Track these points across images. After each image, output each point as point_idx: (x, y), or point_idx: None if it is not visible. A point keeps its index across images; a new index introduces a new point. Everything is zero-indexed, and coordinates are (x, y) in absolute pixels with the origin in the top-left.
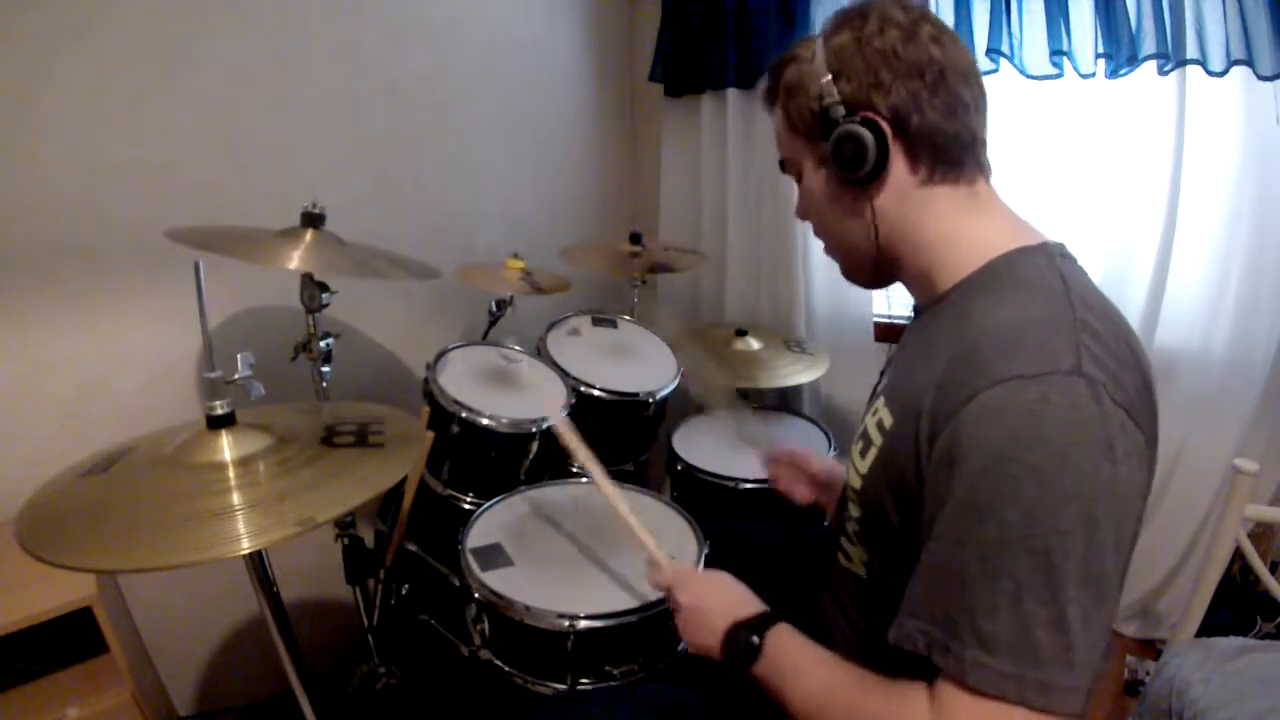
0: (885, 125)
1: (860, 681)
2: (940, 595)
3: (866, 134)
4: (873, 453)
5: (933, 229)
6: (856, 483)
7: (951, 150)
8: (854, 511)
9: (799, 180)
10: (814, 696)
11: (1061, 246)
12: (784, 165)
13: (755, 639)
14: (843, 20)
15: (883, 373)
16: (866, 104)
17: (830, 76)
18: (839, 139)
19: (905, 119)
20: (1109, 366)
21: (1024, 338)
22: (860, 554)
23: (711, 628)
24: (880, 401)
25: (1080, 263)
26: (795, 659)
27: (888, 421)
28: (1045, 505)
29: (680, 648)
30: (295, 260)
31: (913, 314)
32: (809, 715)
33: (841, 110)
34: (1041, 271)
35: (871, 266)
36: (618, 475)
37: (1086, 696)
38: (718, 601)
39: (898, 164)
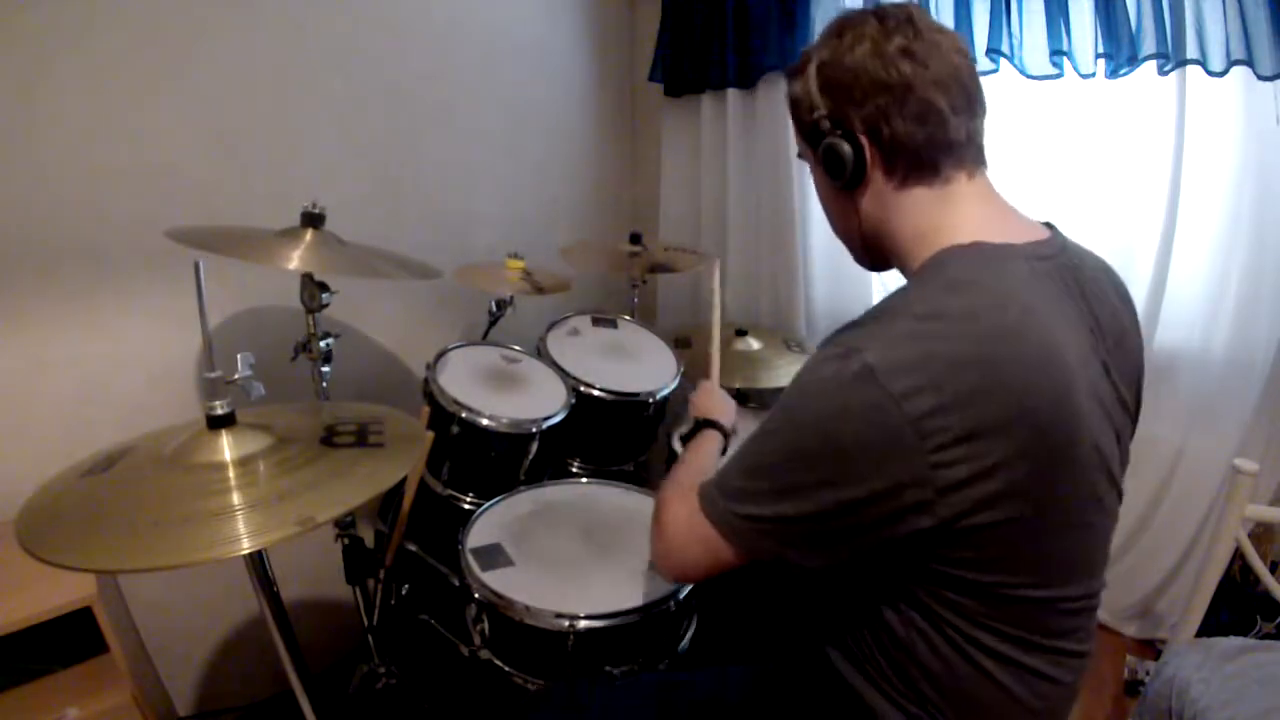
0: (863, 139)
1: (698, 473)
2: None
3: (846, 147)
4: None
5: (908, 226)
6: None
7: (923, 154)
8: None
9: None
10: (682, 464)
11: (990, 245)
12: (800, 155)
13: (697, 425)
14: (826, 35)
15: None
16: (845, 118)
17: (817, 92)
18: (824, 150)
19: (877, 131)
20: (904, 358)
21: (860, 326)
22: None
23: (695, 412)
24: None
25: (1025, 252)
26: (701, 446)
27: None
28: (777, 408)
29: (680, 648)
30: (295, 260)
31: None
32: (672, 472)
33: (828, 124)
34: (944, 272)
35: (864, 254)
36: (618, 475)
37: (735, 534)
38: (708, 404)
39: (876, 172)
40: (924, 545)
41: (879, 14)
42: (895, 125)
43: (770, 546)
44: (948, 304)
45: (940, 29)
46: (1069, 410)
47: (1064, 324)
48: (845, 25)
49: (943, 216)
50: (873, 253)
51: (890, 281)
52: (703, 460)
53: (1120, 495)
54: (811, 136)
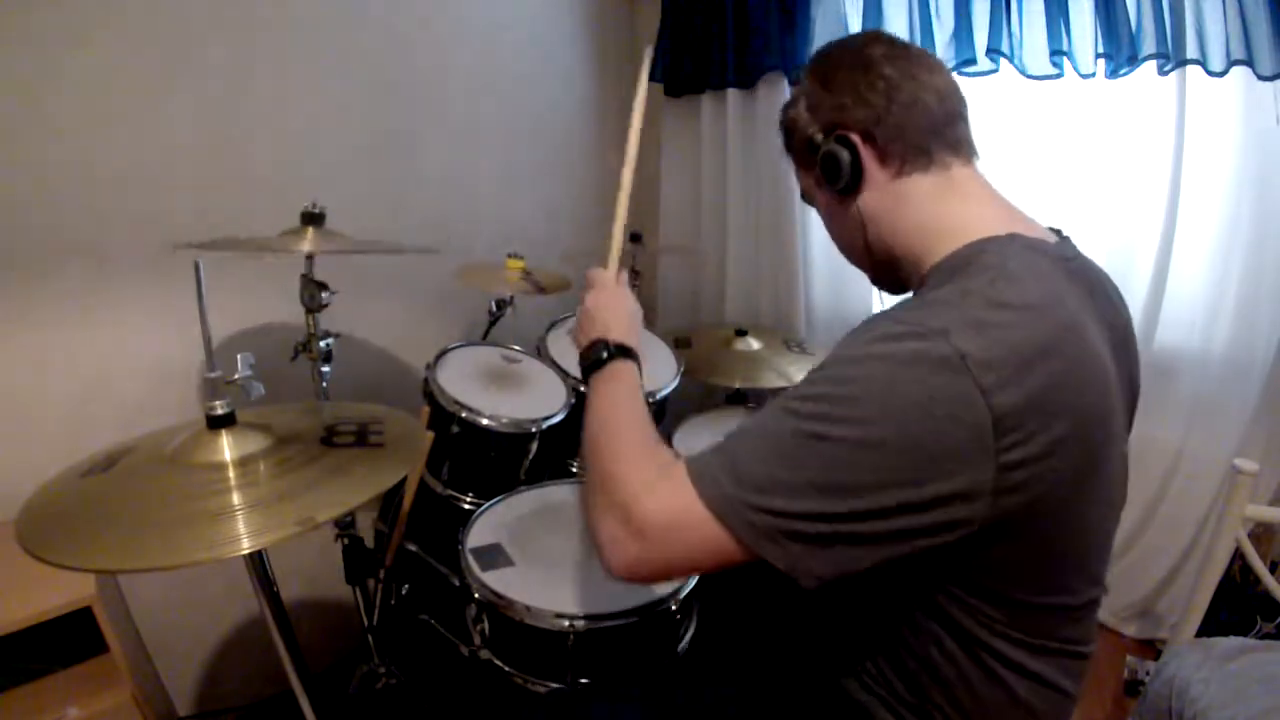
0: (855, 136)
1: (647, 433)
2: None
3: (842, 150)
4: None
5: (911, 218)
6: None
7: (914, 139)
8: None
9: (818, 208)
10: (609, 419)
11: (1026, 238)
12: (804, 196)
13: (606, 354)
14: (810, 64)
15: None
16: (838, 124)
17: (807, 114)
18: (823, 158)
19: (870, 128)
20: (990, 347)
21: (923, 307)
22: None
23: (588, 332)
24: None
25: (1054, 251)
26: (623, 388)
27: None
28: (824, 386)
29: (680, 648)
30: (306, 243)
31: None
32: (594, 431)
33: (820, 135)
34: (990, 261)
35: (880, 269)
36: None
37: (749, 530)
38: (608, 316)
39: (871, 165)
40: (954, 551)
41: (849, 40)
42: (889, 116)
43: (792, 550)
44: (1011, 294)
45: (907, 44)
46: (1108, 413)
47: (1095, 325)
48: (826, 52)
49: (955, 207)
50: (882, 260)
51: None
52: (638, 407)
53: (1124, 499)
54: (807, 155)
